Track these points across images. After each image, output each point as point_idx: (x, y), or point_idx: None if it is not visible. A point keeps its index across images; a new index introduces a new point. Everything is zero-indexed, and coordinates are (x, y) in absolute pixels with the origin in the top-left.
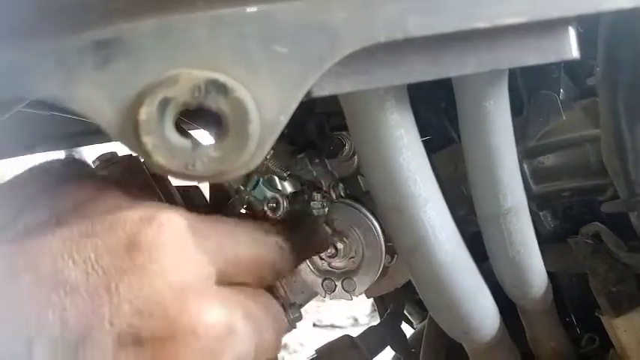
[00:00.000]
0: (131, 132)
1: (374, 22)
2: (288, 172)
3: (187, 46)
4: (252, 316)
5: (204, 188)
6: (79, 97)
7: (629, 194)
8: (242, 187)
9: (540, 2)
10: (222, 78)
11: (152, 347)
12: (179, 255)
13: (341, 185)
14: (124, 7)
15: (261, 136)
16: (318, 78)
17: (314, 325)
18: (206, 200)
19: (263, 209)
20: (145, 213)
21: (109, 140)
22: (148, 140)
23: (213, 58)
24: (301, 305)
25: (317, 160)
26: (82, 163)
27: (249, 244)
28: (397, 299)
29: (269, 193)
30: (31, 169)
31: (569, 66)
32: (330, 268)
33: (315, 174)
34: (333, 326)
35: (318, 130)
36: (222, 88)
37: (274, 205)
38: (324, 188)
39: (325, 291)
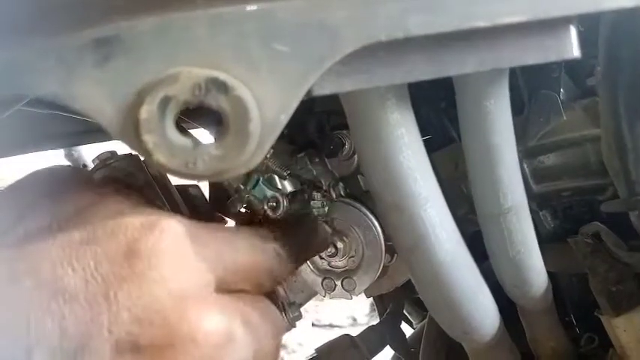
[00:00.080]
0: (132, 130)
1: (375, 21)
2: (288, 171)
3: (187, 45)
4: (250, 323)
5: (204, 187)
6: (79, 95)
7: (629, 194)
8: (242, 186)
9: (541, 1)
10: (222, 76)
11: (151, 355)
12: (178, 262)
13: (341, 184)
14: (124, 5)
15: (261, 135)
16: (318, 77)
17: (313, 324)
18: (206, 199)
19: (263, 208)
20: (145, 220)
21: (108, 139)
22: (149, 139)
23: (214, 57)
24: (301, 304)
25: (317, 160)
26: (81, 170)
27: (247, 252)
28: (397, 298)
29: (269, 192)
30: (31, 174)
31: (569, 65)
32: (330, 268)
33: (315, 173)
34: (331, 326)
35: (318, 130)
36: (222, 87)
37: (274, 204)
38: (324, 187)
39: (325, 290)
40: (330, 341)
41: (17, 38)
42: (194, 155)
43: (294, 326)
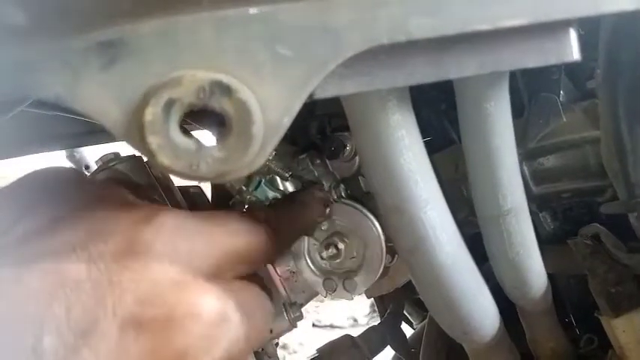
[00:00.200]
0: (136, 132)
1: (377, 24)
2: (290, 173)
3: (192, 47)
4: (243, 306)
5: (206, 188)
6: (84, 98)
7: (628, 196)
8: (244, 188)
9: (541, 4)
10: (225, 79)
11: (152, 331)
12: (176, 252)
13: (342, 186)
14: (129, 8)
15: (264, 137)
16: (321, 80)
17: (313, 325)
18: (208, 200)
19: None
20: (144, 214)
21: (110, 140)
22: (153, 140)
23: (217, 59)
24: (302, 305)
25: (318, 161)
26: (80, 171)
27: (239, 235)
28: (397, 299)
29: (271, 193)
30: (30, 174)
31: (569, 68)
32: (331, 268)
33: (316, 174)
34: (332, 326)
35: (320, 131)
36: (226, 89)
37: None
38: (326, 189)
39: (326, 291)
40: (331, 341)
41: (22, 40)
42: (197, 157)
43: (296, 326)
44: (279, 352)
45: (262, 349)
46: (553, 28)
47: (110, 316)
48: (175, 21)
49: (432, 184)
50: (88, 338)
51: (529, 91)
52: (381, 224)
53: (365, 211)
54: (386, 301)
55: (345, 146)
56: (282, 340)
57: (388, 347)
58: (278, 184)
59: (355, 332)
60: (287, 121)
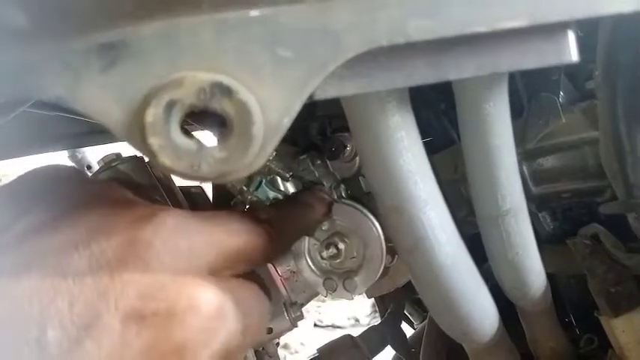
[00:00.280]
0: (137, 133)
1: (376, 26)
2: (291, 173)
3: (192, 49)
4: (241, 302)
5: (208, 188)
6: (86, 99)
7: (627, 196)
8: (245, 188)
9: (540, 6)
10: (226, 80)
11: (153, 324)
12: (176, 250)
13: (342, 186)
14: (130, 10)
15: (264, 138)
16: (320, 81)
17: (315, 325)
18: (209, 200)
19: None
20: (144, 213)
21: (112, 140)
22: (154, 141)
23: (218, 61)
24: (303, 305)
25: (319, 161)
26: (79, 170)
27: (239, 235)
28: (398, 299)
29: (271, 194)
30: (30, 172)
31: (569, 69)
32: (331, 268)
33: (317, 175)
34: (333, 326)
35: (321, 132)
36: (226, 91)
37: None
38: (326, 189)
39: (326, 290)
40: (331, 341)
41: (23, 42)
42: (198, 158)
43: (296, 326)
44: (281, 351)
45: (263, 349)
46: (551, 30)
47: (112, 309)
48: (176, 23)
49: (431, 185)
50: (91, 331)
51: (529, 92)
52: (381, 224)
53: (365, 211)
54: (386, 301)
55: (346, 147)
56: (283, 339)
57: (389, 347)
58: (279, 185)
59: (357, 332)
60: (287, 122)
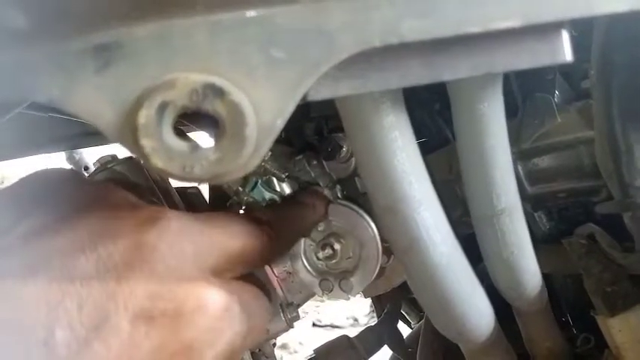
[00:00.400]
0: (130, 135)
1: (370, 27)
2: (287, 174)
3: (186, 50)
4: (245, 303)
5: (204, 189)
6: (79, 100)
7: (622, 195)
8: (241, 189)
9: (533, 6)
10: (218, 81)
11: (162, 324)
12: (181, 253)
13: (338, 186)
14: (125, 12)
15: (257, 139)
16: (314, 82)
17: (313, 324)
18: (205, 201)
19: None
20: (147, 216)
21: (109, 141)
22: (147, 143)
23: (211, 62)
24: (299, 305)
25: (315, 162)
26: (79, 173)
27: (239, 237)
28: (394, 299)
29: (267, 194)
30: (31, 175)
31: (564, 68)
32: (327, 269)
33: (313, 175)
34: (332, 326)
35: (316, 132)
36: (218, 92)
37: None
38: (322, 189)
39: (323, 291)
40: (328, 342)
41: (19, 42)
42: (191, 159)
43: (292, 326)
44: (280, 351)
45: (259, 350)
46: (545, 30)
47: (122, 310)
48: (170, 24)
49: (425, 185)
50: (100, 332)
51: (523, 92)
52: (376, 225)
53: (361, 211)
54: (383, 300)
55: (342, 147)
56: (282, 339)
57: (386, 347)
58: (274, 185)
59: (355, 332)
60: (280, 123)
